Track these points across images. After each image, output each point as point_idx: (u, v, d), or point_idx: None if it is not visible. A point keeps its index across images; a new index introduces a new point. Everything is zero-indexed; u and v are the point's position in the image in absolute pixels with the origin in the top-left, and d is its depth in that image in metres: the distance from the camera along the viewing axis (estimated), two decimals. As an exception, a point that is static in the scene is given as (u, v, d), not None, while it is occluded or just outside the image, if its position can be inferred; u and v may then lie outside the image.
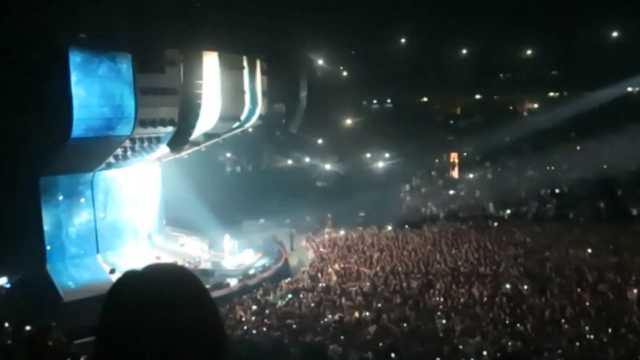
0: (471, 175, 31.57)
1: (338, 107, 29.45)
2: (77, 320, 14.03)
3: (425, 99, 32.86)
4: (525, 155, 30.02)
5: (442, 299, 15.82)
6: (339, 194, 27.16)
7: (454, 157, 32.68)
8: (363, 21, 26.98)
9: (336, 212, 26.97)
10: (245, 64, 23.10)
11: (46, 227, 19.43)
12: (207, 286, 1.56)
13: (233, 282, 20.08)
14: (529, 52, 31.47)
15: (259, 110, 24.52)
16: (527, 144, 30.02)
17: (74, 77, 16.85)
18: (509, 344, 11.93)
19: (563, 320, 13.54)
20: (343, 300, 16.07)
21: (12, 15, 15.71)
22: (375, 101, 32.21)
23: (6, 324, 14.24)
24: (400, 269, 19.29)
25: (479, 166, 31.51)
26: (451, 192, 30.47)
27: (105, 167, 21.27)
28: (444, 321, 13.72)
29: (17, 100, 15.84)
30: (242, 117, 23.21)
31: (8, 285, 17.47)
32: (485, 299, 15.57)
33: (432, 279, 17.80)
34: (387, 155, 30.55)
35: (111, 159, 20.69)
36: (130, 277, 1.47)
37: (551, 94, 33.50)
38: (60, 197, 20.00)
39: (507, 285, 16.56)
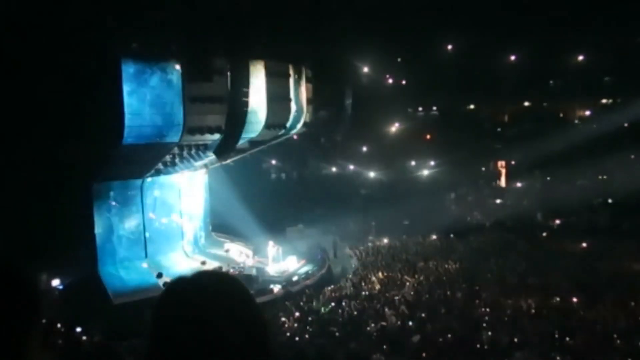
0: (519, 184, 30.91)
1: (383, 115, 29.37)
2: (125, 322, 14.48)
3: (472, 106, 32.37)
4: (576, 164, 29.18)
5: (488, 310, 15.53)
6: (384, 202, 27.05)
7: (501, 165, 32.08)
8: (409, 27, 26.85)
9: (380, 220, 26.85)
10: (291, 71, 23.34)
11: (98, 231, 20.09)
12: (251, 292, 1.61)
13: (276, 289, 20.23)
14: (580, 57, 30.63)
15: (304, 117, 24.70)
16: (579, 152, 29.19)
17: (126, 87, 17.46)
18: (558, 358, 11.60)
19: (615, 335, 13.07)
20: (386, 309, 15.98)
21: (67, 26, 16.37)
22: (420, 108, 31.96)
23: (58, 325, 14.79)
24: (445, 278, 19.05)
25: (528, 175, 30.81)
26: (498, 201, 29.90)
27: (154, 174, 21.85)
28: (489, 333, 13.46)
29: (72, 108, 16.47)
30: (288, 125, 23.44)
31: (61, 287, 18.12)
32: (533, 311, 15.21)
33: (477, 289, 17.49)
34: (432, 163, 30.26)
35: (160, 166, 21.25)
36: (180, 284, 1.51)
37: (604, 100, 32.50)
38: (112, 202, 20.66)
39: (557, 298, 16.12)
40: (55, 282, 17.94)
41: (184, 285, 1.51)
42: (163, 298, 1.50)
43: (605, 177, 29.97)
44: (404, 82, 29.99)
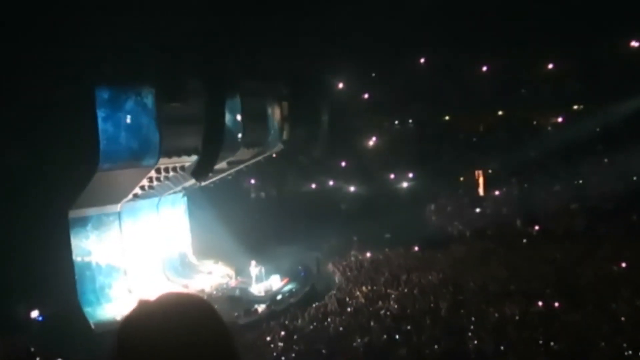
0: (497, 192, 31.27)
1: (360, 129, 29.59)
2: (107, 351, 14.26)
3: (447, 117, 32.78)
4: (552, 170, 29.66)
5: (472, 319, 15.60)
6: (365, 216, 27.12)
7: (479, 174, 32.43)
8: (382, 42, 27.18)
9: (362, 234, 26.91)
10: (266, 90, 23.48)
11: (76, 260, 19.85)
12: (235, 313, 1.62)
13: (261, 308, 20.13)
14: (550, 65, 31.28)
15: (281, 135, 24.82)
16: (553, 159, 29.66)
17: (101, 113, 17.44)
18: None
19: (599, 338, 13.23)
20: (372, 323, 15.98)
21: (40, 54, 16.29)
22: (397, 122, 32.26)
23: (37, 358, 14.51)
24: (428, 289, 19.11)
25: (505, 183, 31.20)
26: (477, 210, 30.18)
27: (132, 199, 21.70)
28: (475, 342, 13.54)
29: (47, 135, 16.35)
30: (265, 143, 23.51)
31: (40, 319, 17.81)
32: (517, 317, 15.33)
33: (461, 299, 17.58)
34: (411, 175, 30.50)
35: (138, 190, 21.14)
36: (143, 308, 1.48)
37: (575, 106, 33.17)
38: (90, 229, 20.45)
39: (540, 303, 16.28)
40: (34, 314, 17.63)
41: (145, 310, 1.47)
42: (123, 324, 1.46)
43: (580, 181, 30.45)
44: (379, 96, 30.25)
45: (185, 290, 20.69)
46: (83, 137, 16.95)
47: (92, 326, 18.27)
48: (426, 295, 18.42)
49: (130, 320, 1.45)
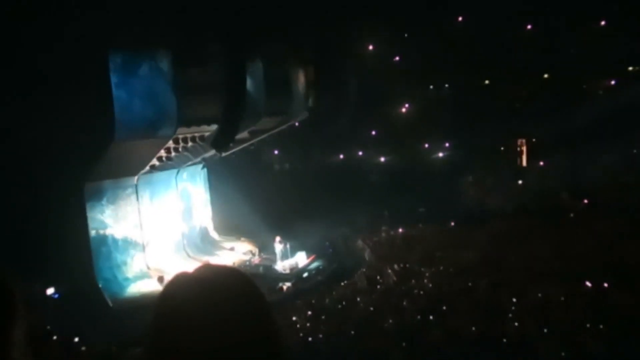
0: (541, 163, 30.70)
1: (391, 96, 29.22)
2: (126, 329, 14.57)
3: (487, 82, 32.12)
4: (602, 139, 28.94)
5: (513, 300, 15.50)
6: (396, 189, 26.96)
7: (521, 143, 31.86)
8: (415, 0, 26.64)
9: (394, 208, 26.79)
10: (290, 54, 23.29)
11: (92, 234, 20.19)
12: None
13: (286, 287, 20.31)
14: (602, 22, 30.29)
15: (306, 103, 24.67)
16: (605, 126, 28.92)
17: (114, 80, 17.46)
18: (590, 346, 11.57)
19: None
20: (404, 303, 15.99)
21: (51, 21, 16.37)
22: (431, 87, 31.75)
23: (54, 336, 14.88)
24: (465, 268, 19.01)
25: (550, 153, 30.61)
26: (519, 182, 29.72)
27: (149, 171, 21.92)
28: (516, 324, 13.45)
29: (59, 105, 16.51)
30: (289, 111, 23.41)
31: (56, 296, 18.24)
32: (563, 298, 15.16)
33: (501, 278, 17.45)
34: (446, 144, 30.10)
35: (155, 162, 21.33)
36: (181, 280, 1.51)
37: (630, 68, 32.17)
38: (106, 203, 20.75)
39: (587, 283, 16.06)
40: (50, 291, 18.05)
41: (184, 282, 1.51)
42: (162, 297, 1.49)
43: (635, 151, 29.72)
44: (412, 59, 29.77)
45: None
46: (97, 106, 17.11)
47: (110, 304, 18.67)
48: (463, 274, 18.34)
49: (168, 293, 1.48)
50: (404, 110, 30.23)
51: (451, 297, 16.15)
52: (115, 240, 21.09)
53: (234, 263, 22.54)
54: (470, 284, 17.22)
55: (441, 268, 19.40)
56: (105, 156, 18.58)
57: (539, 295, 15.56)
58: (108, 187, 21.00)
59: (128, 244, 21.64)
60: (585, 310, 13.89)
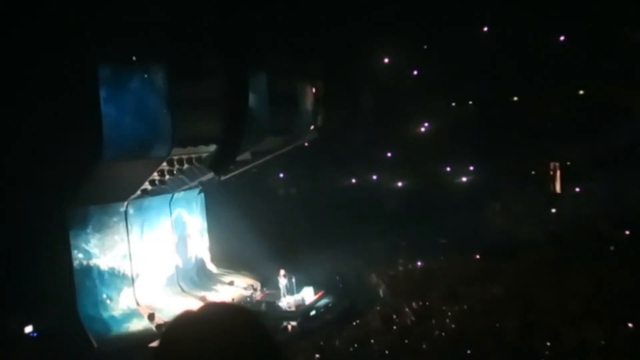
0: (577, 189, 30.58)
1: (409, 113, 29.30)
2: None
3: (515, 98, 32.14)
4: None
5: (547, 344, 15.33)
6: (414, 217, 26.88)
7: (554, 167, 31.78)
8: (437, 9, 26.80)
9: (412, 238, 26.69)
10: (297, 67, 23.48)
11: (76, 267, 20.16)
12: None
13: (291, 326, 20.17)
14: (644, 33, 30.35)
15: (315, 121, 24.77)
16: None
17: (103, 94, 17.60)
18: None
19: None
20: (424, 345, 15.85)
21: (35, 29, 16.58)
22: (454, 103, 31.82)
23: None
24: (492, 306, 18.85)
25: (587, 177, 30.48)
26: (553, 210, 29.57)
27: (140, 195, 21.97)
28: (550, 370, 13.29)
29: (41, 121, 16.64)
30: (296, 130, 23.50)
31: (34, 335, 18.18)
32: (603, 342, 14.97)
33: (532, 318, 17.28)
34: (471, 168, 30.04)
35: (147, 185, 21.39)
36: (186, 320, 1.55)
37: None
38: (91, 231, 20.76)
39: (630, 324, 15.86)
40: (28, 329, 18.00)
41: (188, 323, 1.54)
42: (165, 338, 1.54)
43: (683, 176, 29.54)
44: (432, 73, 29.90)
45: (211, 301, 20.88)
46: (83, 122, 17.21)
47: (95, 344, 18.59)
48: (489, 313, 18.19)
49: (172, 334, 1.53)
50: (423, 129, 30.27)
51: (476, 340, 16.00)
52: (101, 273, 21.06)
53: (233, 299, 22.45)
54: (497, 324, 17.05)
55: (465, 306, 19.23)
56: (91, 178, 18.63)
57: (576, 338, 15.38)
58: (94, 213, 21.03)
59: (115, 277, 21.60)
60: (628, 356, 13.70)
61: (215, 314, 1.56)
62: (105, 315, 20.60)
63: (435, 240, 27.01)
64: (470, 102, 31.80)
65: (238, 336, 1.49)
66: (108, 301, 21.09)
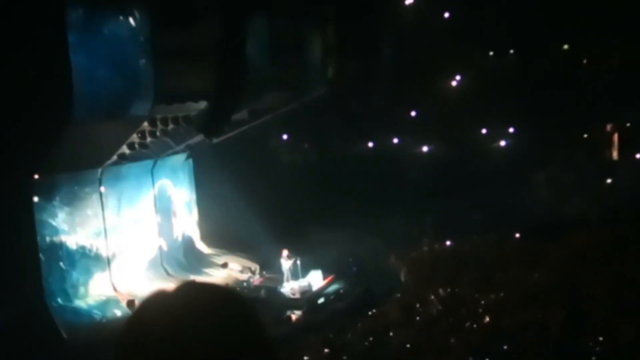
0: (638, 156, 30.49)
1: (438, 64, 29.13)
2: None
3: (565, 47, 31.89)
4: None
5: (599, 339, 15.42)
6: (443, 189, 26.88)
7: (611, 129, 31.65)
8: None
9: (439, 215, 26.74)
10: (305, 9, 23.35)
11: (42, 245, 20.27)
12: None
13: (295, 316, 20.34)
14: None
15: (325, 73, 24.68)
16: None
17: (72, 40, 17.55)
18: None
19: None
20: (452, 339, 15.97)
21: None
22: (491, 53, 31.60)
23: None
24: (534, 295, 18.93)
25: (651, 142, 30.37)
26: (609, 181, 29.52)
27: (117, 162, 22.04)
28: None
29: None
30: (302, 85, 23.43)
31: (-4, 326, 18.38)
32: (664, 337, 15.06)
33: (582, 309, 17.36)
34: (511, 130, 29.93)
35: (125, 149, 21.47)
36: (157, 300, 1.56)
37: None
38: (59, 204, 20.86)
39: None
40: (-13, 319, 18.20)
41: (159, 303, 1.55)
42: (130, 320, 1.55)
43: None
44: (466, 16, 29.63)
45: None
46: (48, 76, 17.18)
47: (64, 335, 18.81)
48: (530, 302, 18.26)
49: (138, 316, 1.54)
50: (454, 83, 30.12)
51: (514, 334, 16.10)
52: (71, 253, 21.21)
53: (227, 284, 22.62)
54: (540, 315, 17.13)
55: (501, 295, 19.32)
56: (59, 142, 18.68)
57: (632, 333, 15.46)
58: (62, 183, 21.12)
59: (88, 258, 21.77)
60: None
61: (192, 294, 1.57)
62: (76, 302, 20.81)
63: (467, 216, 27.05)
64: (511, 52, 31.59)
65: (218, 320, 1.49)
66: (79, 286, 21.29)
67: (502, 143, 30.05)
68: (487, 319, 17.53)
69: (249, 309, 1.60)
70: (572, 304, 17.93)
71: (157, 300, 1.55)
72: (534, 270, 21.12)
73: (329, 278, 23.50)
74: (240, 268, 25.17)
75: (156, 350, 1.43)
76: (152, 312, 1.53)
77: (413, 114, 29.99)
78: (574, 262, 21.82)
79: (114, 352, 1.50)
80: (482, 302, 18.90)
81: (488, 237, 25.40)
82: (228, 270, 25.20)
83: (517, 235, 25.62)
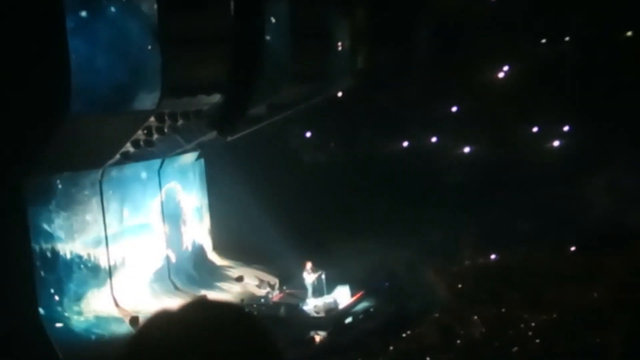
0: None
1: (483, 53, 29.04)
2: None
3: (629, 33, 31.67)
4: None
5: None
6: (487, 194, 26.77)
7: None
8: None
9: (484, 223, 26.62)
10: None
11: (35, 252, 20.38)
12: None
13: (319, 337, 20.32)
14: None
15: (353, 63, 24.66)
16: None
17: (70, 24, 17.63)
18: None
19: None
20: (497, 366, 15.93)
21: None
22: (544, 41, 31.45)
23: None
24: (592, 315, 18.81)
25: None
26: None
27: (120, 161, 22.14)
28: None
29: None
30: (327, 76, 23.42)
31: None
32: None
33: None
34: (566, 128, 29.75)
35: (129, 147, 21.55)
36: (160, 321, 1.59)
37: None
38: (55, 208, 20.98)
39: None
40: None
41: (163, 324, 1.57)
42: (132, 342, 1.58)
43: None
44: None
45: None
46: (44, 64, 17.29)
47: (59, 354, 18.91)
48: (589, 323, 18.14)
49: (142, 338, 1.57)
50: (501, 75, 30.01)
51: (569, 359, 16.01)
52: (67, 264, 21.32)
53: (242, 300, 22.68)
54: (598, 339, 17.01)
55: (554, 315, 19.21)
56: (55, 139, 18.79)
57: None
58: (59, 185, 21.25)
59: (87, 269, 21.88)
60: None
61: (200, 314, 1.58)
62: (73, 319, 20.90)
63: (515, 226, 26.89)
64: (567, 39, 31.41)
65: (228, 344, 1.51)
66: (77, 301, 21.38)
67: (556, 143, 29.87)
68: (537, 341, 17.43)
69: (263, 333, 1.61)
70: (634, 326, 17.78)
71: (162, 320, 1.58)
72: (592, 288, 20.97)
73: (358, 294, 23.47)
74: (257, 282, 25.19)
75: None
76: (155, 333, 1.55)
77: (453, 109, 29.91)
78: (637, 278, 21.65)
79: None
80: (532, 323, 18.79)
81: (539, 250, 25.27)
82: (244, 284, 25.23)
83: (573, 248, 25.45)
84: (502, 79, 29.82)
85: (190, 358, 1.45)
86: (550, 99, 28.56)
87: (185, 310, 1.59)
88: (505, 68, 29.70)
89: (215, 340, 1.49)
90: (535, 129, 29.69)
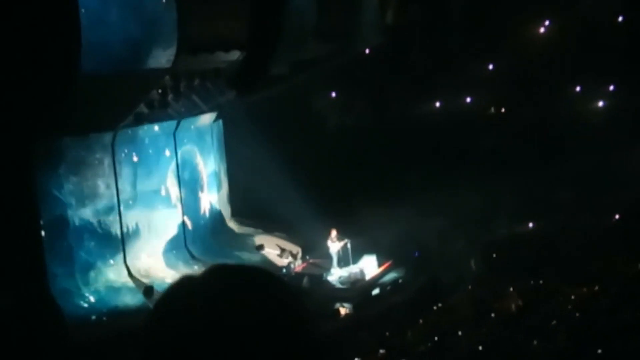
0: None
1: (521, 6, 28.72)
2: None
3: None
4: None
5: None
6: (524, 159, 26.59)
7: None
8: None
9: (521, 191, 26.48)
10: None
11: (45, 221, 20.53)
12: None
13: (344, 310, 20.38)
14: None
15: (381, 20, 24.50)
16: None
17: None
18: None
19: None
20: (534, 341, 15.86)
21: None
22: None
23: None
24: (637, 288, 18.69)
25: None
26: None
27: (133, 123, 22.18)
28: None
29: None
30: (353, 33, 23.29)
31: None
32: None
33: None
34: (611, 88, 29.43)
35: (143, 109, 21.59)
36: (183, 287, 1.57)
37: None
38: (65, 172, 21.08)
39: None
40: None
41: (186, 291, 1.55)
42: (155, 311, 1.56)
43: None
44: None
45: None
46: (51, 21, 17.26)
47: (70, 329, 19.06)
48: (633, 299, 18.02)
49: (164, 305, 1.56)
50: (542, 30, 29.68)
51: (612, 337, 15.89)
52: (78, 231, 21.46)
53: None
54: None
55: (596, 288, 19.10)
56: (64, 99, 18.82)
57: None
58: (69, 148, 21.33)
59: (99, 237, 22.03)
60: None
61: (225, 280, 1.57)
62: (85, 289, 21.09)
63: (555, 193, 26.74)
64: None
65: (255, 312, 1.47)
66: (90, 270, 21.54)
67: (600, 104, 29.57)
68: (578, 315, 17.35)
69: (295, 298, 1.59)
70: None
71: (182, 290, 1.56)
72: (637, 260, 20.83)
73: (386, 265, 23.50)
74: (278, 251, 25.24)
75: (191, 350, 1.42)
76: (176, 301, 1.54)
77: (490, 67, 29.66)
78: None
79: (138, 351, 1.49)
80: (573, 296, 18.70)
81: (581, 219, 25.13)
82: (264, 253, 25.31)
83: (617, 216, 25.27)
84: (541, 34, 29.49)
85: (223, 329, 1.43)
86: (594, 56, 28.22)
87: (209, 275, 1.58)
88: (546, 22, 29.35)
89: (245, 309, 1.46)
90: (577, 89, 29.40)
